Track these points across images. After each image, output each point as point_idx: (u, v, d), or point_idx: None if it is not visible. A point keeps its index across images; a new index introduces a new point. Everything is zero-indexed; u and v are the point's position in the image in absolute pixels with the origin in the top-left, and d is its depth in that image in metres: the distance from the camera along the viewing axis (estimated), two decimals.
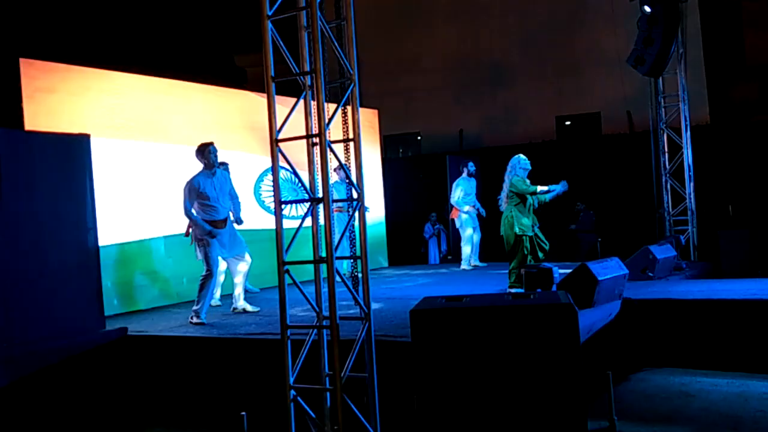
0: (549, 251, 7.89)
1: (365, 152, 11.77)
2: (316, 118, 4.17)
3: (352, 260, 4.59)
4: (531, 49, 14.49)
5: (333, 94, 4.76)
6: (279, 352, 4.34)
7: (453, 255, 12.40)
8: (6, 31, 10.22)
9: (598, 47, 13.60)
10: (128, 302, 7.99)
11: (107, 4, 12.58)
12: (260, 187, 9.83)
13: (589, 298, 6.32)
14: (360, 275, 4.42)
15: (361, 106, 13.26)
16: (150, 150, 8.38)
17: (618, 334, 6.55)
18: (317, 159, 4.26)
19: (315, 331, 4.49)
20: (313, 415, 4.41)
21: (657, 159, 10.87)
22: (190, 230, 7.27)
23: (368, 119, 12.07)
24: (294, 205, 9.13)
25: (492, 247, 11.15)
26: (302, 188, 4.38)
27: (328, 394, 4.38)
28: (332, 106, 4.38)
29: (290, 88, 4.84)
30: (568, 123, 14.72)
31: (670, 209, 10.85)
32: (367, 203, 11.15)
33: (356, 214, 4.46)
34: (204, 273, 6.91)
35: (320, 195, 4.23)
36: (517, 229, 7.60)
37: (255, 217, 9.35)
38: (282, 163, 4.31)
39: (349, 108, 4.45)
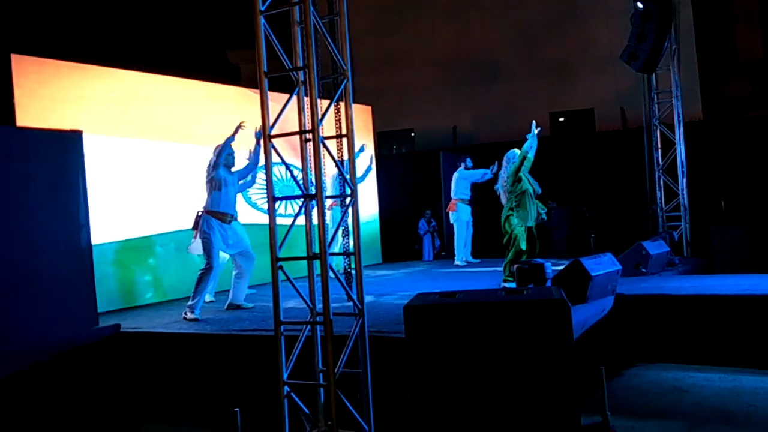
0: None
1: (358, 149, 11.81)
2: (310, 114, 4.17)
3: (345, 256, 4.59)
4: (525, 46, 14.49)
5: (327, 90, 4.76)
6: (273, 349, 4.34)
7: (446, 251, 12.41)
8: None
9: (591, 43, 13.60)
10: (123, 299, 7.97)
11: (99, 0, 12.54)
12: None
13: (582, 293, 6.34)
14: (354, 271, 4.41)
15: (355, 102, 13.26)
16: (143, 147, 8.35)
17: (611, 329, 6.57)
18: (310, 155, 4.25)
19: (309, 327, 4.49)
20: (307, 411, 4.41)
21: (650, 155, 10.90)
22: (199, 224, 7.21)
23: (362, 116, 12.06)
24: (284, 202, 9.13)
25: (486, 244, 11.18)
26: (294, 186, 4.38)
27: (321, 389, 4.38)
28: (326, 102, 4.38)
29: (284, 84, 4.83)
30: (561, 119, 14.73)
31: (663, 205, 10.88)
32: (361, 200, 11.21)
33: (350, 211, 4.45)
34: (203, 267, 6.91)
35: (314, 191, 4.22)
36: (515, 220, 7.61)
37: (242, 215, 9.35)
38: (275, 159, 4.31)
39: (342, 104, 4.44)
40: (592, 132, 13.81)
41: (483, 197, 10.83)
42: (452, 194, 10.69)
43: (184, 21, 13.53)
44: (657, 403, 5.52)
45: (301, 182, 4.44)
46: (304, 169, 4.50)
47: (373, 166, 10.90)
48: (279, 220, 4.53)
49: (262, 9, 4.27)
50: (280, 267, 4.30)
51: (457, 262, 10.62)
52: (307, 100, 4.27)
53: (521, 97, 14.46)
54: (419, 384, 3.91)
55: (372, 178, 12.02)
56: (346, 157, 4.50)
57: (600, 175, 12.20)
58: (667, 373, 6.26)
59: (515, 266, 6.44)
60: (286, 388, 4.30)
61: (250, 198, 9.65)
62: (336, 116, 4.49)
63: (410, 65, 15.22)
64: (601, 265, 6.60)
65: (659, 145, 10.95)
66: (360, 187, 11.19)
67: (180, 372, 6.07)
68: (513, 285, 6.63)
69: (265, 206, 9.39)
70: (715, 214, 11.12)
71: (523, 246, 7.60)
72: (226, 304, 7.29)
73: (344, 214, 4.40)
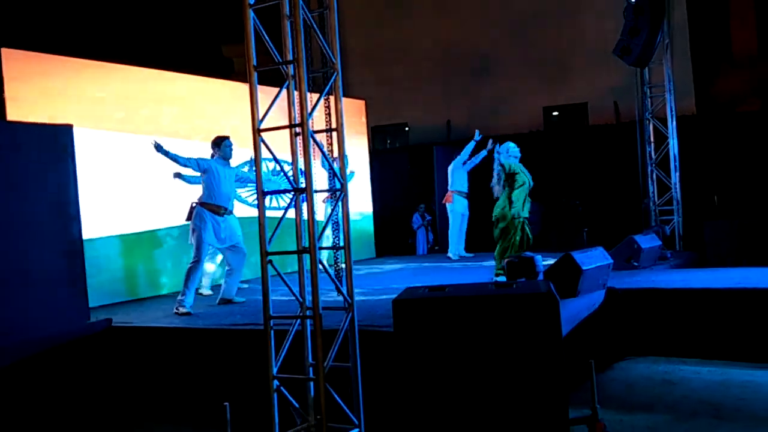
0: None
1: (352, 143, 11.84)
2: (299, 107, 4.17)
3: (334, 250, 4.59)
4: (518, 40, 14.48)
5: (318, 84, 4.75)
6: (263, 343, 4.34)
7: (440, 246, 12.42)
8: None
9: (585, 37, 13.60)
10: (115, 294, 7.96)
11: None
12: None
13: (573, 287, 6.38)
14: (344, 265, 4.42)
15: (349, 96, 13.24)
16: (136, 142, 8.33)
17: (602, 323, 6.59)
18: (300, 149, 4.25)
19: (298, 321, 4.49)
20: (297, 405, 4.42)
21: (643, 149, 10.92)
22: (193, 216, 7.18)
23: (355, 110, 12.04)
24: (273, 196, 9.13)
25: (479, 238, 11.19)
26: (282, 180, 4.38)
27: (311, 384, 4.39)
28: (317, 97, 4.37)
29: (279, 78, 4.82)
30: (555, 113, 14.74)
31: (656, 199, 10.90)
32: (354, 195, 11.20)
33: (339, 204, 4.45)
34: (191, 261, 6.91)
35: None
36: (508, 212, 7.60)
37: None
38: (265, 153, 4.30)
39: (332, 97, 4.44)
40: (585, 126, 13.83)
41: (479, 190, 10.82)
42: (449, 186, 10.68)
43: (179, 16, 13.47)
44: (646, 395, 5.54)
45: (291, 176, 4.44)
46: (294, 163, 4.50)
47: (355, 171, 10.95)
48: (268, 213, 4.53)
49: (252, 2, 4.26)
50: (270, 261, 4.30)
51: (449, 255, 10.63)
52: (296, 93, 4.27)
53: (515, 91, 14.45)
54: (408, 377, 3.92)
55: (365, 172, 12.03)
56: (336, 151, 4.49)
57: (593, 169, 12.22)
58: (658, 366, 6.29)
59: (506, 260, 6.46)
60: (276, 382, 4.31)
61: (239, 195, 9.66)
62: (326, 110, 4.49)
63: (404, 59, 15.20)
64: (593, 259, 6.64)
65: (652, 139, 10.97)
66: (353, 181, 11.30)
67: (171, 367, 6.08)
68: (504, 279, 6.64)
69: (251, 200, 9.46)
70: (708, 208, 11.16)
71: (518, 238, 7.61)
72: (218, 299, 7.29)
73: (334, 208, 4.39)
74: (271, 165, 8.60)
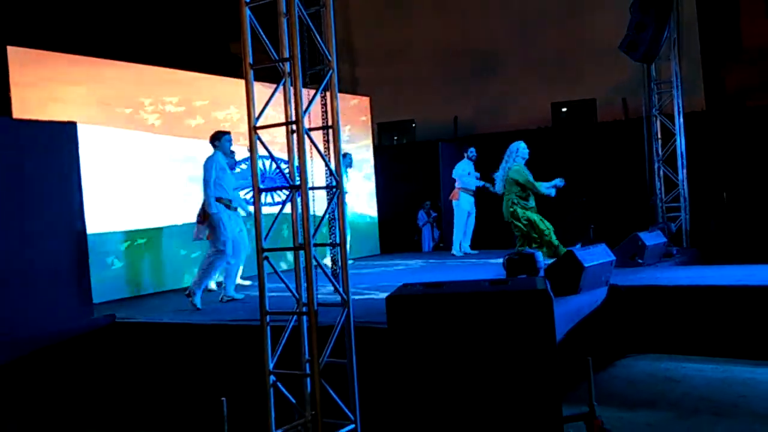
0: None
1: (357, 140, 11.84)
2: (294, 104, 4.18)
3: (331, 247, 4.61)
4: (526, 35, 14.41)
5: (318, 82, 4.76)
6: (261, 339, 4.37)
7: (444, 243, 12.40)
8: None
9: (593, 33, 13.51)
10: (120, 289, 8.02)
11: None
12: None
13: (574, 284, 6.36)
14: (339, 262, 4.43)
15: (355, 93, 13.22)
16: (144, 139, 8.39)
17: (604, 320, 6.57)
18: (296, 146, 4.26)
19: (295, 317, 4.51)
20: (293, 401, 4.44)
21: (650, 146, 10.85)
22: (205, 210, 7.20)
23: (360, 107, 12.05)
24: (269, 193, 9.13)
25: (485, 235, 11.17)
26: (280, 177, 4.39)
27: (308, 379, 4.41)
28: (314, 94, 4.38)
29: (278, 75, 4.84)
30: (564, 110, 14.67)
31: (663, 196, 10.83)
32: (358, 191, 11.20)
33: (335, 201, 4.46)
34: (214, 250, 6.95)
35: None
36: (521, 213, 7.72)
37: None
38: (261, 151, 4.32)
39: (327, 95, 4.44)
40: (593, 123, 13.76)
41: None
42: (456, 183, 10.66)
43: (186, 13, 13.50)
44: (647, 393, 5.52)
45: (287, 173, 4.45)
46: (290, 161, 4.51)
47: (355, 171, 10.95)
48: (272, 209, 4.56)
49: (248, 0, 4.27)
50: (266, 258, 4.32)
51: (453, 252, 10.60)
52: (292, 90, 4.28)
53: (523, 87, 14.39)
54: (401, 374, 3.93)
55: (370, 169, 12.04)
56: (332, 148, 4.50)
57: (601, 166, 12.16)
58: (660, 364, 6.26)
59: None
60: (272, 377, 4.33)
61: (239, 196, 9.69)
62: (323, 108, 4.50)
63: (411, 56, 15.17)
64: (595, 255, 6.61)
65: (659, 136, 10.89)
66: (358, 177, 11.32)
67: (174, 362, 6.11)
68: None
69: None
70: (716, 205, 11.08)
71: (543, 227, 7.79)
72: (220, 297, 7.30)
73: (329, 205, 4.40)
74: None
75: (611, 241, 7.71)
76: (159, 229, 8.51)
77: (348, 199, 9.71)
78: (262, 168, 9.15)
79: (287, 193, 4.48)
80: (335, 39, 4.42)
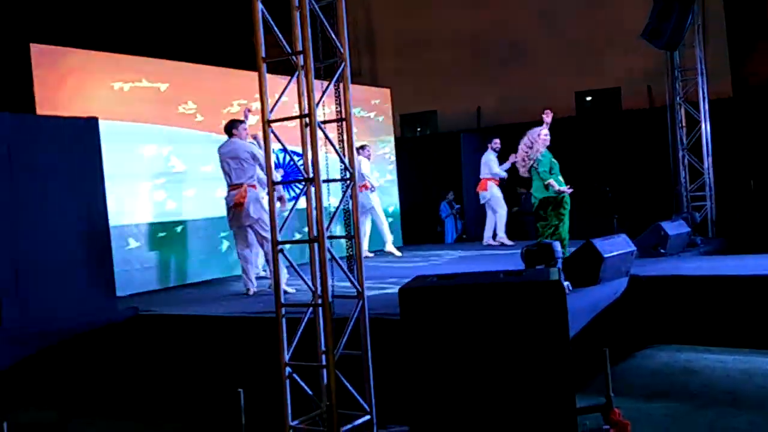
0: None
1: (378, 132, 11.83)
2: (307, 97, 4.20)
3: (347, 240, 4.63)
4: (550, 24, 14.26)
5: (332, 73, 4.76)
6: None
7: (467, 234, 12.35)
8: (17, 17, 10.34)
9: (618, 21, 13.33)
10: (145, 283, 8.13)
11: None
12: None
13: (594, 275, 6.31)
14: (354, 254, 4.46)
15: (377, 84, 13.15)
16: (168, 134, 8.48)
17: (626, 311, 6.51)
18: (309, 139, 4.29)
19: (311, 309, 4.54)
20: (310, 392, 4.48)
21: (674, 134, 10.70)
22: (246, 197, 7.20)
23: (381, 98, 12.03)
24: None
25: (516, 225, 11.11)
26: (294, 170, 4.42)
27: (324, 371, 4.44)
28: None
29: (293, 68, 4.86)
30: (589, 98, 14.51)
31: (688, 185, 10.68)
32: (380, 182, 11.20)
33: (349, 193, 4.48)
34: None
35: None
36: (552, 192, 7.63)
37: None
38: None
39: (340, 87, 4.46)
40: (618, 111, 13.60)
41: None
42: (481, 174, 10.62)
43: (207, 7, 13.56)
44: (666, 384, 5.48)
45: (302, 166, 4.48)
46: (305, 153, 4.53)
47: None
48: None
49: None
50: (281, 250, 4.36)
51: (488, 242, 10.54)
52: (305, 83, 4.30)
53: (546, 76, 14.25)
54: (414, 366, 3.94)
55: (392, 160, 12.04)
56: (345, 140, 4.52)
57: (625, 155, 12.02)
58: (680, 355, 6.21)
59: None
60: (288, 369, 4.38)
61: None
62: (336, 100, 4.52)
63: (434, 46, 15.10)
64: (615, 246, 6.55)
65: (684, 124, 10.73)
66: (379, 168, 11.31)
67: (193, 354, 6.18)
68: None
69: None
70: (743, 194, 10.89)
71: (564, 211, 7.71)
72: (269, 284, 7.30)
73: (343, 197, 4.42)
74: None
75: (635, 230, 7.62)
76: (183, 222, 8.60)
77: (374, 194, 9.78)
78: (277, 161, 9.20)
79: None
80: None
